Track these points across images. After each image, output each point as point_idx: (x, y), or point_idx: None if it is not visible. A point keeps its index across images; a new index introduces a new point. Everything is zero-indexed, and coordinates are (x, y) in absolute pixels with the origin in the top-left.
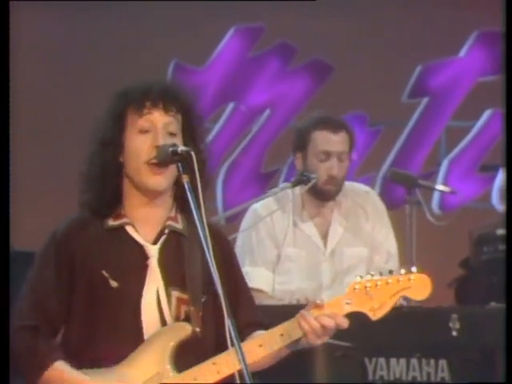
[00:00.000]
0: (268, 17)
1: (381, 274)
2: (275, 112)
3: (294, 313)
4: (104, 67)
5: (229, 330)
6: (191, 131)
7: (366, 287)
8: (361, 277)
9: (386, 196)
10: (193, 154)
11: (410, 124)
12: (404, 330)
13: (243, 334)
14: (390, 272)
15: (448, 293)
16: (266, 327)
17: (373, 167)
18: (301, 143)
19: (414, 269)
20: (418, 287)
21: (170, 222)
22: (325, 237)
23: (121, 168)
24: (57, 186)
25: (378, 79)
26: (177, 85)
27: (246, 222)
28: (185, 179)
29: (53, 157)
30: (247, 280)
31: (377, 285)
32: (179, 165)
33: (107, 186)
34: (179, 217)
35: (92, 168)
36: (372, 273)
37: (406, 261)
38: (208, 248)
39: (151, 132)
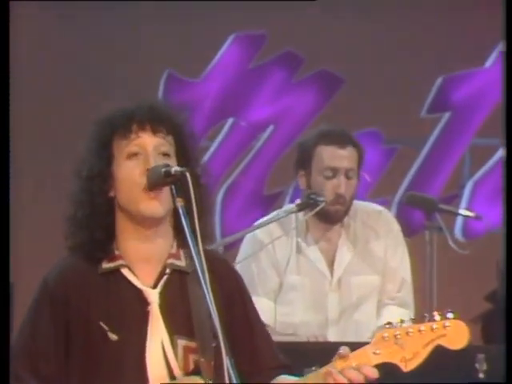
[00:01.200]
0: (271, 23)
1: (412, 320)
2: (279, 128)
3: (299, 350)
4: (104, 67)
5: (228, 372)
6: (185, 153)
7: (395, 336)
8: (390, 324)
9: (402, 222)
10: (188, 174)
11: (430, 142)
12: (426, 371)
13: (265, 378)
14: (422, 318)
15: (473, 330)
16: (289, 368)
17: (388, 190)
18: (304, 159)
19: (449, 315)
20: (455, 335)
21: (171, 260)
22: (331, 264)
23: (112, 203)
24: (56, 186)
25: (394, 92)
26: (165, 104)
27: (244, 250)
28: (179, 203)
29: (53, 157)
30: None
31: (408, 333)
32: (172, 187)
33: (99, 225)
34: (181, 252)
35: (80, 208)
36: (402, 319)
37: (425, 294)
38: (205, 281)
39: (141, 155)
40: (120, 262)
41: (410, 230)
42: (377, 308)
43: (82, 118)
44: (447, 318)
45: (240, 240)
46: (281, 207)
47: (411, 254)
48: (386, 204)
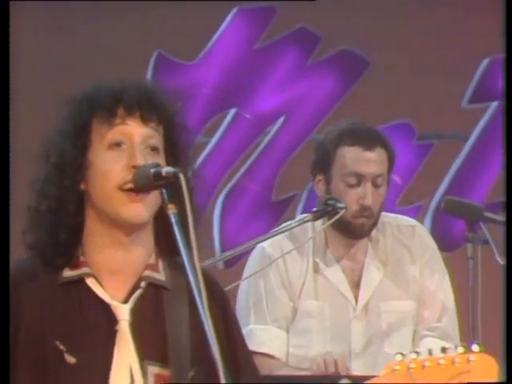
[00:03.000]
0: None
1: (430, 352)
2: (291, 120)
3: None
4: (104, 67)
5: None
6: (175, 149)
7: (409, 368)
8: (402, 355)
9: (439, 233)
10: (181, 176)
11: (473, 137)
12: None
13: None
14: (443, 350)
15: None
16: None
17: (422, 194)
18: (323, 162)
19: (475, 347)
20: (481, 372)
21: (148, 273)
22: (356, 286)
23: (81, 198)
24: None
25: (429, 77)
26: (157, 87)
27: (250, 266)
28: (171, 210)
29: None
30: (254, 342)
31: (424, 366)
32: (164, 191)
33: (64, 225)
34: (160, 265)
35: (43, 199)
36: (417, 350)
37: (467, 319)
38: (201, 300)
39: (125, 147)
40: (85, 270)
41: (448, 243)
42: (412, 340)
43: None
44: (472, 352)
45: (243, 255)
46: (293, 215)
47: (451, 272)
48: (420, 211)
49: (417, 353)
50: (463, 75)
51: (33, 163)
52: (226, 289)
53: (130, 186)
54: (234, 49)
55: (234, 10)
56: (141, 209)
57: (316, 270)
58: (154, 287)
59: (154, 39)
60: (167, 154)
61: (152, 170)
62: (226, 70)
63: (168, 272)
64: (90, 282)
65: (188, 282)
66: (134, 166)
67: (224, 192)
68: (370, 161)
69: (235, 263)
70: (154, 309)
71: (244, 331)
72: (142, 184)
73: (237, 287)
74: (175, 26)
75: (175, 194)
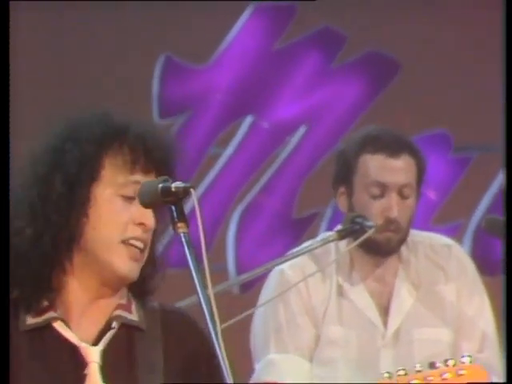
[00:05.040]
0: None
1: (417, 368)
2: (313, 130)
3: None
4: (105, 67)
5: None
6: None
7: None
8: (388, 373)
9: (479, 254)
10: (193, 191)
11: None
12: None
13: None
14: (431, 365)
15: None
16: None
17: (460, 212)
18: (344, 173)
19: (465, 359)
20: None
21: (119, 312)
22: (385, 311)
23: (74, 236)
24: None
25: (468, 82)
26: (156, 129)
27: (268, 291)
28: (181, 229)
29: None
30: (275, 372)
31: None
32: (173, 208)
33: (52, 259)
34: (133, 305)
35: (34, 221)
36: (401, 368)
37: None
38: (214, 327)
39: (136, 202)
40: (51, 314)
41: (489, 267)
42: None
43: None
44: (462, 364)
45: (260, 279)
46: (315, 235)
47: (492, 299)
48: (458, 231)
49: (404, 370)
50: (505, 81)
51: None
52: (241, 316)
53: (137, 243)
54: (249, 51)
55: (250, 9)
56: (136, 268)
57: (340, 293)
58: (126, 328)
59: (161, 41)
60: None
61: (160, 186)
62: (240, 74)
63: (141, 313)
64: (58, 325)
65: (201, 309)
66: (141, 223)
67: (239, 209)
68: (394, 169)
69: (251, 287)
70: (127, 351)
71: (263, 361)
72: (149, 200)
73: (252, 314)
74: (184, 27)
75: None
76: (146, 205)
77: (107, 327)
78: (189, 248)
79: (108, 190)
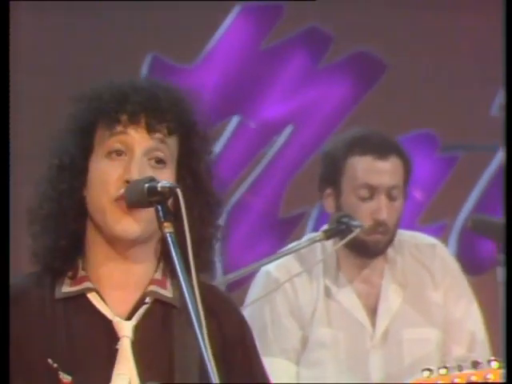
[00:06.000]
0: None
1: (446, 368)
2: (300, 130)
3: None
4: (105, 67)
5: None
6: (190, 161)
7: None
8: (429, 371)
9: (465, 254)
10: (179, 191)
11: (503, 148)
12: None
13: None
14: (474, 364)
15: None
16: None
17: (446, 212)
18: (332, 174)
19: (493, 364)
20: None
21: (153, 287)
22: (373, 312)
23: (83, 205)
24: None
25: (454, 82)
26: (174, 91)
27: (254, 292)
28: (166, 228)
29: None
30: None
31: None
32: (159, 208)
33: (62, 230)
34: (168, 282)
35: (43, 202)
36: (430, 368)
37: (495, 352)
38: (199, 323)
39: (125, 157)
40: (86, 284)
41: (475, 266)
42: None
43: None
44: (490, 368)
45: (247, 279)
46: (301, 235)
47: (479, 299)
48: (444, 230)
49: (446, 368)
50: (493, 79)
51: (32, 164)
52: None
53: (120, 199)
54: (236, 51)
55: (237, 9)
56: (131, 223)
57: (328, 294)
58: (161, 305)
59: (148, 41)
60: (181, 166)
61: (146, 185)
62: (227, 74)
63: (178, 291)
64: (92, 296)
65: (186, 305)
66: (127, 181)
67: (225, 209)
68: (383, 171)
69: (237, 288)
70: (161, 327)
71: None
72: (135, 200)
73: None
74: (171, 26)
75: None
76: (132, 204)
77: (141, 301)
78: (175, 248)
79: (96, 153)
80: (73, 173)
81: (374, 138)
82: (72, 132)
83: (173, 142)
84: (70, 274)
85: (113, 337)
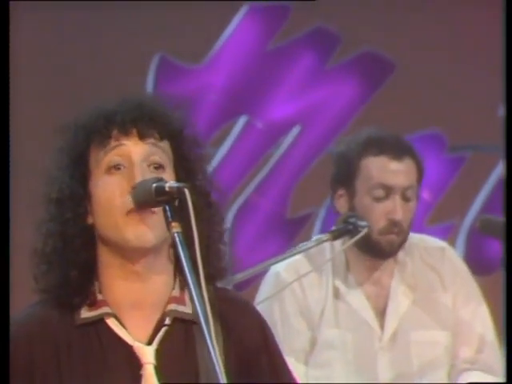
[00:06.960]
0: None
1: None
2: (307, 130)
3: None
4: (105, 67)
5: None
6: (186, 163)
7: None
8: None
9: (473, 255)
10: (186, 191)
11: None
12: None
13: None
14: None
15: None
16: None
17: (454, 212)
18: (345, 175)
19: None
20: None
21: (172, 306)
22: (381, 314)
23: (90, 233)
24: None
25: (463, 82)
26: (158, 100)
27: (263, 292)
28: (174, 228)
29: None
30: None
31: None
32: (167, 208)
33: (73, 262)
34: (186, 296)
35: (49, 240)
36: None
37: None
38: (208, 329)
39: (125, 169)
40: (105, 309)
41: (483, 267)
42: (448, 376)
43: None
44: None
45: (255, 279)
46: (309, 235)
47: (486, 299)
48: (451, 231)
49: None
50: (499, 81)
51: (32, 162)
52: None
53: (130, 212)
54: (243, 51)
55: (244, 9)
56: (144, 230)
57: (336, 295)
58: (181, 323)
59: (156, 41)
60: (178, 169)
61: (154, 185)
62: (234, 74)
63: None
64: (111, 322)
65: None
66: (134, 188)
67: (232, 210)
68: (398, 171)
69: (246, 287)
70: (183, 347)
71: None
72: (142, 200)
73: None
74: (178, 27)
75: (185, 213)
76: (140, 204)
77: (161, 323)
78: (183, 248)
79: (95, 176)
80: (75, 201)
81: (388, 138)
82: (65, 164)
83: (166, 146)
84: (86, 300)
85: (135, 363)
